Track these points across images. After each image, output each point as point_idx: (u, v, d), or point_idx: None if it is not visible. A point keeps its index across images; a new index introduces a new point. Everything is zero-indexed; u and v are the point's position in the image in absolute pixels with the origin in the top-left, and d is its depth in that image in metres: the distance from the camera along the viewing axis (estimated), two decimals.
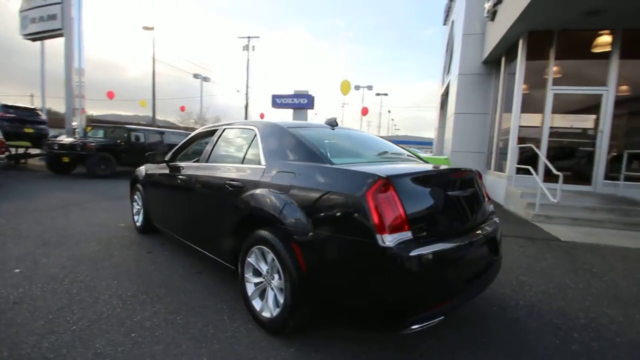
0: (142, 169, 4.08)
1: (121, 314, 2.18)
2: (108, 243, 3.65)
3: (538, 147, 6.49)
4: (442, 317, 1.61)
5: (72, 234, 3.92)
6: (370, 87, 33.35)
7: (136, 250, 3.46)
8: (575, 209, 5.41)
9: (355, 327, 1.86)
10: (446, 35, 13.84)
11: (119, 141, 10.79)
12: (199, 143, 3.29)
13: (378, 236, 1.48)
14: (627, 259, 3.64)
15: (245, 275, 2.18)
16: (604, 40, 6.13)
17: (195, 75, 29.72)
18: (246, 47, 33.17)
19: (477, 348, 1.92)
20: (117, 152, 10.55)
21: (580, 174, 6.52)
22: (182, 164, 3.30)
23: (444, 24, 14.77)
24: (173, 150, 3.51)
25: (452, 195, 1.87)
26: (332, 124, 2.67)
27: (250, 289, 2.16)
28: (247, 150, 2.45)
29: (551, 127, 6.62)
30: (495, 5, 7.39)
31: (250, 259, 2.14)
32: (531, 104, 6.88)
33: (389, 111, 62.37)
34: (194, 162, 3.00)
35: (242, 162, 2.42)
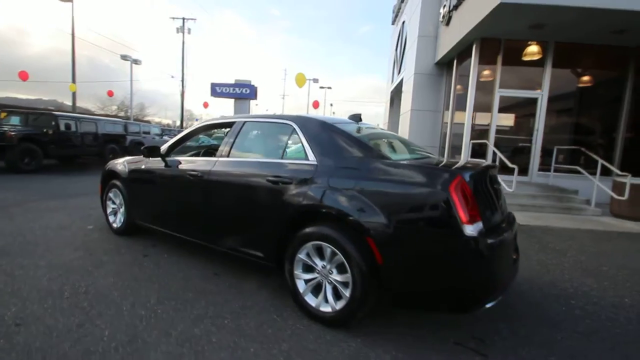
0: (120, 164, 3.64)
1: (159, 324, 1.99)
2: (87, 248, 3.21)
3: (486, 143, 7.34)
4: (501, 297, 1.83)
5: (34, 240, 3.36)
6: (316, 80, 33.61)
7: (128, 254, 3.11)
8: (521, 197, 6.28)
9: (428, 310, 1.97)
10: (395, 34, 14.60)
11: (45, 130, 9.28)
12: (205, 137, 3.06)
13: (464, 226, 1.62)
14: (575, 238, 4.40)
15: (295, 272, 2.15)
16: (540, 50, 7.13)
17: (124, 57, 26.50)
18: (181, 30, 30.71)
19: (507, 316, 2.21)
20: (44, 143, 9.09)
21: (519, 167, 7.55)
22: (187, 158, 3.06)
23: (393, 24, 15.54)
24: (169, 144, 3.20)
25: (494, 189, 2.09)
26: (357, 119, 2.73)
27: (301, 285, 2.14)
28: (285, 146, 2.38)
29: (497, 125, 7.52)
30: (450, 11, 8.06)
31: (301, 255, 2.12)
32: (481, 104, 7.72)
33: (332, 104, 63.84)
34: (207, 156, 2.80)
35: (282, 158, 2.35)
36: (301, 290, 2.13)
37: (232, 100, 38.01)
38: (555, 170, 7.29)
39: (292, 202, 2.11)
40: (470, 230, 1.62)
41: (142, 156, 3.74)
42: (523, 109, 7.74)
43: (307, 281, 2.14)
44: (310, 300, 2.10)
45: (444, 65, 9.47)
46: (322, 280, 2.07)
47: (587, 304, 2.51)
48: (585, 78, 7.57)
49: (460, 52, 8.35)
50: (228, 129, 2.80)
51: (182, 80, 31.41)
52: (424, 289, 1.76)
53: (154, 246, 3.35)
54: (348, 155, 2.07)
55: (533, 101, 7.39)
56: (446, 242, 1.66)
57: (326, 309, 2.02)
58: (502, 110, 7.54)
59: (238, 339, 1.88)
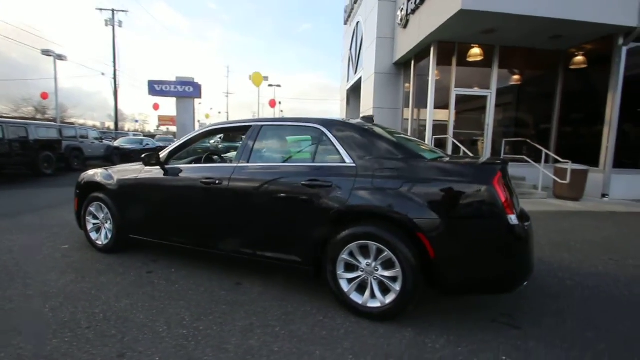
0: (104, 174, 3.30)
1: (209, 341, 1.90)
2: (76, 270, 2.88)
3: (446, 138, 7.98)
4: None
5: (3, 268, 2.91)
6: (266, 78, 33.04)
7: (129, 272, 2.86)
8: None
9: (478, 294, 2.12)
10: (348, 34, 15.00)
11: None
12: (210, 143, 2.92)
13: (508, 217, 1.81)
14: (537, 219, 5.02)
15: (338, 273, 2.19)
16: (489, 53, 7.93)
17: (46, 52, 23.36)
18: (110, 22, 27.81)
19: (519, 293, 2.50)
20: None
21: None
22: (192, 166, 2.89)
23: (345, 24, 15.94)
24: (169, 151, 2.99)
25: (509, 181, 2.35)
26: (370, 120, 2.83)
27: (345, 285, 2.19)
28: (316, 149, 2.39)
29: (455, 121, 8.22)
30: (407, 15, 8.55)
31: (344, 256, 2.16)
32: (439, 102, 8.34)
33: (280, 102, 63.16)
34: (219, 163, 2.69)
35: (314, 162, 2.36)
36: (346, 290, 2.18)
37: (174, 100, 35.73)
38: None
39: (333, 205, 2.14)
40: (513, 219, 1.83)
41: (129, 165, 3.45)
42: (476, 106, 8.54)
43: (350, 280, 2.19)
44: (356, 298, 2.16)
45: (402, 65, 10.03)
46: (367, 278, 2.14)
47: (573, 276, 2.94)
48: (526, 77, 8.61)
49: (418, 54, 8.92)
50: (239, 134, 2.72)
51: (115, 78, 28.57)
52: (476, 276, 1.93)
53: (154, 262, 3.11)
54: (387, 156, 2.16)
55: (484, 99, 8.21)
56: (495, 231, 1.85)
57: (374, 304, 2.10)
58: (458, 107, 8.25)
59: (298, 344, 1.88)
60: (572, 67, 7.94)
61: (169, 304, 2.33)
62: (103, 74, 40.00)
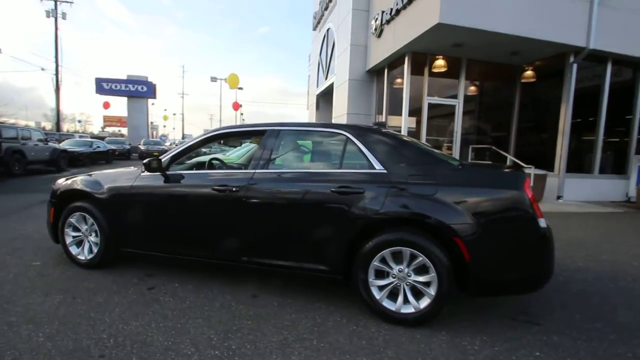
0: (90, 182, 2.96)
1: None
2: (62, 290, 2.55)
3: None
4: None
5: None
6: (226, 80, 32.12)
7: (127, 290, 2.58)
8: None
9: (507, 294, 2.20)
10: (318, 39, 15.14)
11: None
12: (219, 148, 2.76)
13: (539, 220, 1.93)
14: None
15: (370, 280, 2.17)
16: (457, 65, 8.45)
17: None
18: (52, 13, 25.18)
19: None
20: None
21: None
22: (198, 172, 2.71)
23: (314, 30, 16.08)
24: (170, 156, 2.76)
25: None
26: (383, 126, 2.86)
27: (376, 292, 2.17)
28: (342, 155, 2.35)
29: (427, 129, 8.62)
30: (382, 24, 8.85)
31: (376, 262, 2.15)
32: (412, 110, 8.71)
33: (240, 105, 61.38)
34: (232, 169, 2.54)
35: (341, 168, 2.32)
36: (378, 297, 2.16)
37: (124, 99, 33.20)
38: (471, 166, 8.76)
39: (366, 212, 2.12)
40: (542, 222, 1.95)
41: (117, 170, 3.14)
42: (443, 112, 9.04)
43: (381, 287, 2.18)
44: (388, 305, 2.15)
45: (375, 72, 10.32)
46: (399, 284, 2.15)
47: (562, 272, 3.20)
48: (489, 89, 9.30)
49: (391, 62, 9.25)
50: (251, 138, 2.60)
51: (57, 74, 25.92)
52: (507, 277, 2.02)
53: (150, 276, 2.84)
54: (417, 162, 2.19)
55: (452, 107, 8.72)
56: (526, 234, 1.95)
57: (408, 310, 2.11)
58: (430, 114, 8.67)
59: (343, 356, 1.82)
60: (529, 80, 8.74)
61: (186, 322, 2.14)
62: (43, 69, 36.15)
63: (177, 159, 2.81)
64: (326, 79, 13.74)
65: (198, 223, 2.57)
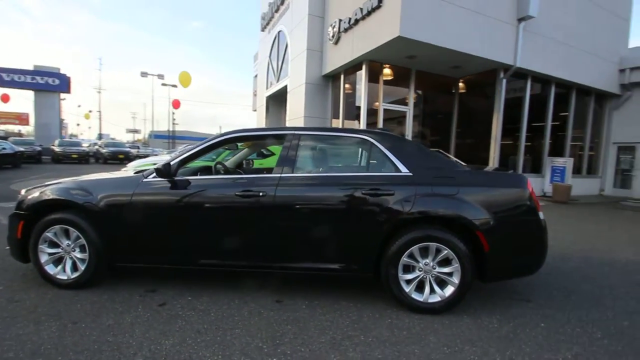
0: (75, 189, 2.61)
1: None
2: (53, 316, 2.22)
3: None
4: None
5: None
6: (161, 76, 29.82)
7: (136, 308, 2.35)
8: None
9: (513, 278, 2.49)
10: (267, 41, 14.98)
11: None
12: (234, 151, 2.68)
13: (539, 213, 2.31)
14: None
15: (400, 276, 2.34)
16: (407, 75, 9.20)
17: None
18: None
19: None
20: None
21: None
22: (222, 177, 2.60)
23: (262, 30, 15.87)
24: (179, 160, 2.58)
25: None
26: (387, 131, 3.08)
27: (405, 285, 2.35)
28: (368, 159, 2.48)
29: None
30: (340, 32, 9.19)
31: (405, 258, 2.33)
32: (369, 115, 9.22)
33: (180, 103, 56.66)
34: (220, 174, 2.50)
35: (368, 171, 2.44)
36: (407, 290, 2.34)
37: (31, 93, 28.49)
38: None
39: (398, 212, 2.29)
40: (541, 215, 2.34)
41: (107, 174, 2.83)
42: (396, 118, 9.75)
43: (408, 281, 2.37)
44: (416, 296, 2.35)
45: (330, 77, 10.65)
46: (425, 276, 2.36)
47: None
48: (434, 98, 10.29)
49: (348, 69, 9.65)
50: (270, 142, 2.59)
51: None
52: (516, 262, 2.36)
53: (153, 291, 2.62)
54: (437, 165, 2.43)
55: (404, 113, 9.45)
56: (531, 225, 2.32)
57: (435, 299, 2.33)
58: (385, 120, 9.27)
59: (394, 347, 1.95)
60: (466, 91, 9.92)
61: (224, 334, 2.05)
62: None
63: (185, 163, 2.64)
64: (277, 81, 13.69)
65: (221, 231, 2.46)
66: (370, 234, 2.33)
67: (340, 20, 9.09)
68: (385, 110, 9.18)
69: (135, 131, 73.70)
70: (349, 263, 2.39)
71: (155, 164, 6.96)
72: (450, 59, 8.25)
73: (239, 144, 3.65)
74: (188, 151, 2.64)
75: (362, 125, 8.99)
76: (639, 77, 10.01)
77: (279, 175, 2.44)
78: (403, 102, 9.49)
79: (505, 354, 1.92)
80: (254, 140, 2.86)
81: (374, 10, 7.65)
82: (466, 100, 10.19)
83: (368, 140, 2.52)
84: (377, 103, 9.07)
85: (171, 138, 40.49)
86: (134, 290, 2.63)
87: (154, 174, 2.55)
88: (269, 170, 2.59)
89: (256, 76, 19.28)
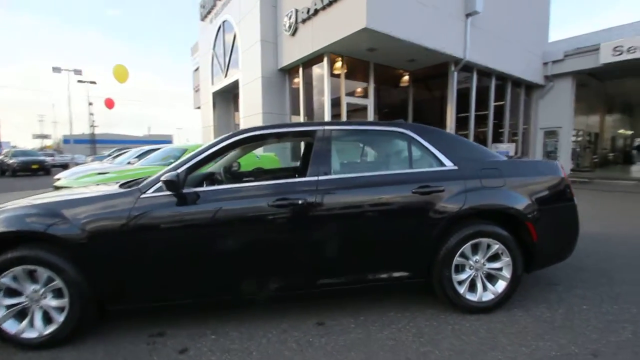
0: (40, 214, 1.96)
1: None
2: None
3: None
4: None
5: None
6: (78, 72, 25.92)
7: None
8: None
9: (551, 265, 2.48)
10: (210, 31, 13.84)
11: None
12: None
13: (574, 199, 2.35)
14: None
15: (453, 277, 2.20)
16: (367, 68, 9.22)
17: None
18: None
19: None
20: None
21: None
22: (246, 185, 2.16)
23: (202, 20, 14.63)
24: (186, 168, 2.07)
25: None
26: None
27: (458, 287, 2.22)
28: (410, 154, 2.26)
29: None
30: (297, 22, 8.81)
31: (458, 257, 2.20)
32: (332, 109, 9.05)
33: (91, 103, 48.18)
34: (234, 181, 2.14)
35: (411, 168, 2.23)
36: (461, 292, 2.21)
37: None
38: None
39: (450, 209, 2.13)
40: (575, 200, 2.38)
41: (82, 190, 2.22)
42: (356, 110, 9.75)
43: (460, 282, 2.23)
44: (470, 297, 2.23)
45: (287, 71, 10.21)
46: (476, 275, 2.25)
47: None
48: (390, 90, 10.50)
49: (307, 62, 9.33)
50: (294, 140, 2.23)
51: None
52: (557, 249, 2.37)
53: (161, 335, 2.11)
54: (479, 157, 2.32)
55: (365, 107, 9.49)
56: (569, 211, 2.35)
57: (488, 297, 2.24)
58: (349, 113, 9.20)
59: (475, 357, 1.80)
60: (420, 83, 10.32)
61: None
62: None
63: (193, 171, 2.15)
64: (226, 75, 12.78)
65: (256, 250, 2.04)
66: (423, 236, 2.14)
67: (297, 10, 8.71)
68: (350, 103, 9.11)
69: (45, 136, 63.90)
70: (400, 270, 2.18)
71: (102, 173, 5.95)
72: (408, 52, 8.45)
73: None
74: (195, 157, 2.14)
75: (327, 119, 8.79)
76: (560, 69, 11.45)
77: (315, 178, 2.10)
78: (362, 95, 9.52)
79: (579, 344, 1.89)
80: (275, 139, 2.46)
81: (335, 0, 7.45)
82: (420, 93, 10.63)
83: (406, 134, 2.31)
84: (338, 96, 8.94)
85: (94, 142, 35.85)
86: (136, 336, 2.08)
87: (157, 188, 2.02)
88: (260, 172, 2.23)
89: (197, 70, 17.84)
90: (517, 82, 11.57)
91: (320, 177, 2.11)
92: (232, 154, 3.06)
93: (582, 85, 12.26)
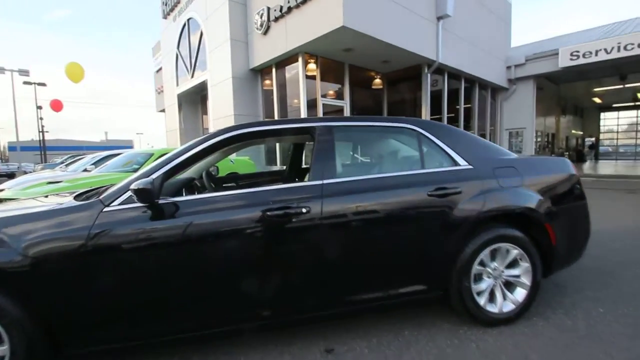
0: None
1: None
2: None
3: None
4: None
5: None
6: (25, 72, 23.55)
7: None
8: None
9: (565, 267, 2.33)
10: (174, 29, 13.08)
11: None
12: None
13: (586, 197, 2.25)
14: None
15: (472, 287, 1.99)
16: (342, 69, 9.06)
17: None
18: None
19: None
20: None
21: None
22: (235, 192, 1.80)
23: (165, 18, 13.81)
24: (162, 174, 1.69)
25: None
26: None
27: (478, 297, 2.01)
28: (421, 153, 2.02)
29: None
30: (269, 21, 8.47)
31: (476, 266, 1.99)
32: (308, 110, 8.78)
33: (40, 107, 43.55)
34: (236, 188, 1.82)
35: (424, 168, 1.99)
36: (482, 303, 2.01)
37: None
38: None
39: (470, 212, 1.92)
40: (586, 199, 2.27)
41: (14, 206, 1.75)
42: (333, 111, 9.57)
43: (479, 292, 2.03)
44: (491, 308, 2.04)
45: (259, 72, 9.82)
46: (495, 283, 2.06)
47: None
48: (364, 91, 10.43)
49: (280, 62, 9.01)
50: (288, 138, 1.93)
51: None
52: (572, 250, 2.23)
53: None
54: (493, 155, 2.14)
55: (341, 108, 9.32)
56: (583, 210, 2.23)
57: (508, 307, 2.06)
58: (325, 114, 8.98)
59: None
60: (394, 85, 10.35)
61: None
62: None
63: (170, 177, 1.77)
64: (192, 76, 12.10)
65: (255, 270, 1.69)
66: (441, 243, 1.91)
67: (269, 8, 8.38)
68: (326, 104, 8.89)
69: None
70: (416, 284, 1.93)
71: (53, 182, 5.18)
72: (383, 53, 8.42)
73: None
74: (172, 160, 1.76)
75: None
76: (522, 73, 12.05)
77: (319, 182, 1.80)
78: (338, 96, 9.36)
79: (614, 355, 1.75)
80: (269, 136, 2.12)
81: None
82: (394, 94, 10.67)
83: (416, 130, 2.08)
84: (314, 97, 8.70)
85: (44, 149, 32.91)
86: None
87: (124, 199, 1.62)
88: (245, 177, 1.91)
89: (159, 70, 16.84)
90: (484, 85, 12.01)
91: (325, 181, 1.81)
92: (213, 156, 2.68)
93: (540, 88, 13.00)
